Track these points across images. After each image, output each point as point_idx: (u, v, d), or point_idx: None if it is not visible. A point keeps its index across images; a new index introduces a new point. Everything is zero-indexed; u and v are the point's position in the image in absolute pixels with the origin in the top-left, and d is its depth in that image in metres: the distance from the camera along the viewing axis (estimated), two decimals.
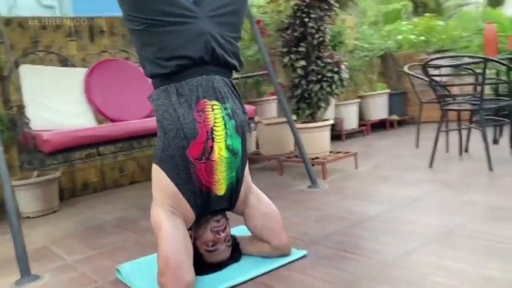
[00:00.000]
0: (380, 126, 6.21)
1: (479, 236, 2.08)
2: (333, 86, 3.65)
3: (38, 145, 2.64)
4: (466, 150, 4.03)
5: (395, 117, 6.24)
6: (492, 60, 3.24)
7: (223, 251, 1.97)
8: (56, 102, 3.13)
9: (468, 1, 11.56)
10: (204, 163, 1.83)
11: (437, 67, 3.67)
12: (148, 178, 4.50)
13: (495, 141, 4.17)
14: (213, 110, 1.84)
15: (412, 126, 6.31)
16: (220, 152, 1.85)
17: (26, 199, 3.44)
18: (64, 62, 3.90)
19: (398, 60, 6.37)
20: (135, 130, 2.86)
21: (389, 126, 6.22)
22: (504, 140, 4.10)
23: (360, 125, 6.01)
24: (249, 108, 3.62)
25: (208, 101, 1.84)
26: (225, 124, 1.86)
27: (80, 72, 3.44)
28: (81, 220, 3.28)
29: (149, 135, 2.95)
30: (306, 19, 3.60)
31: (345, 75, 3.69)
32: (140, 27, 1.82)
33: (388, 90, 6.13)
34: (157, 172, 1.88)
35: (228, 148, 1.87)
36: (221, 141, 1.85)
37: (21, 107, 2.97)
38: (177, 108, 1.81)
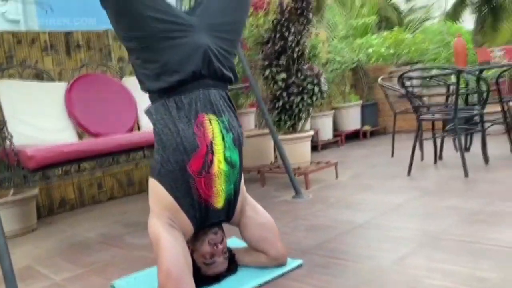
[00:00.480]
0: (354, 136, 6.36)
1: (464, 239, 2.17)
2: (314, 98, 3.73)
3: (21, 162, 2.58)
4: (441, 158, 4.18)
5: (367, 128, 6.40)
6: (466, 71, 3.40)
7: (221, 263, 1.98)
8: (37, 117, 3.07)
9: (429, 16, 12.02)
10: (204, 176, 1.83)
11: (412, 78, 3.82)
12: (127, 194, 4.49)
13: (467, 149, 4.35)
14: (211, 123, 1.86)
15: (384, 136, 6.50)
16: (219, 165, 1.86)
17: (2, 218, 3.31)
18: (41, 76, 3.83)
19: (368, 72, 6.55)
20: (120, 144, 2.83)
21: (362, 136, 6.37)
22: (474, 147, 4.28)
23: (334, 136, 6.13)
24: None
25: (206, 115, 1.86)
26: (223, 137, 1.88)
27: (59, 87, 3.39)
28: (63, 238, 3.19)
29: (134, 149, 2.93)
30: (286, 33, 3.68)
31: (324, 87, 3.78)
32: (137, 45, 1.83)
33: (360, 102, 6.30)
34: (155, 186, 1.87)
35: (226, 161, 1.89)
36: (220, 154, 1.86)
37: (0, 123, 2.88)
38: (177, 122, 1.81)
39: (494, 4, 18.42)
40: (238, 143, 1.95)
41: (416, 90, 4.80)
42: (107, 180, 4.36)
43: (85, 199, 4.22)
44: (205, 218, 1.92)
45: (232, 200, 1.97)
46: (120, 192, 4.45)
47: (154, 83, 1.85)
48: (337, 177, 4.00)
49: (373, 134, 6.54)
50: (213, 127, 1.86)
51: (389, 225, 2.55)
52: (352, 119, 6.20)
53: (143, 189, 4.55)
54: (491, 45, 21.02)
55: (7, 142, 2.70)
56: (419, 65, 5.93)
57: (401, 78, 3.64)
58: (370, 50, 6.20)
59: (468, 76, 4.22)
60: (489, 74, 4.76)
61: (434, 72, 4.38)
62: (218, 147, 1.86)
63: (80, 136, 3.35)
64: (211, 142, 1.84)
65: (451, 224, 2.42)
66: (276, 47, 3.72)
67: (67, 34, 4.22)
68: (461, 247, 2.07)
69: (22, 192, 3.45)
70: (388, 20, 17.02)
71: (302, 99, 3.70)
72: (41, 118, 3.10)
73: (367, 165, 4.52)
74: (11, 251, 2.95)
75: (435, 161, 4.11)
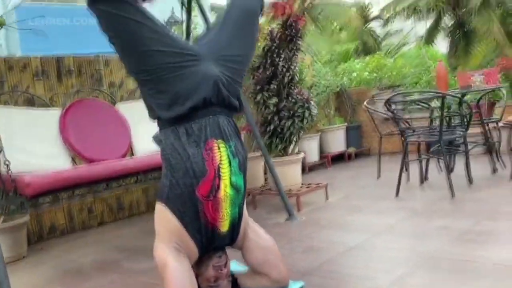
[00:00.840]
0: (339, 158, 6.48)
1: (458, 258, 2.26)
2: (305, 121, 3.83)
3: (19, 189, 2.57)
4: (426, 179, 4.31)
5: (352, 149, 6.53)
6: (450, 95, 3.56)
7: (225, 286, 2.01)
8: (31, 143, 3.07)
9: (406, 41, 12.37)
10: (211, 200, 1.88)
11: (398, 102, 3.96)
12: (117, 219, 4.47)
13: (451, 169, 4.49)
14: (219, 148, 1.91)
15: (368, 157, 6.64)
16: (225, 189, 1.91)
17: None
18: (32, 102, 3.84)
19: (352, 96, 6.73)
20: (116, 170, 2.86)
21: (347, 158, 6.50)
22: (457, 167, 4.43)
23: (321, 158, 6.23)
24: None
25: (215, 140, 1.91)
26: (229, 162, 1.93)
27: (53, 113, 3.41)
28: (57, 264, 3.16)
29: (130, 174, 2.96)
30: (277, 59, 3.79)
31: (314, 110, 3.89)
32: (148, 77, 1.88)
33: (345, 124, 6.44)
34: (162, 210, 1.91)
35: (232, 185, 1.94)
36: (227, 178, 1.92)
37: None
38: (186, 148, 1.86)
39: (466, 29, 19.14)
40: (243, 168, 2.01)
41: (401, 113, 4.98)
42: (97, 205, 4.34)
43: (75, 224, 4.18)
44: (211, 242, 1.96)
45: (236, 223, 2.02)
46: (110, 217, 4.42)
47: (166, 112, 1.90)
48: (327, 198, 4.08)
49: (358, 155, 6.67)
50: (221, 152, 1.91)
51: (383, 246, 2.62)
52: (337, 141, 6.33)
53: (133, 213, 4.54)
54: (464, 68, 21.70)
55: (3, 169, 2.69)
56: (402, 90, 6.16)
57: (388, 102, 3.78)
58: (354, 74, 6.39)
59: (449, 100, 4.39)
60: (468, 97, 4.95)
61: (415, 96, 4.56)
62: (225, 171, 1.91)
63: (74, 162, 3.35)
64: (219, 167, 1.89)
65: (443, 243, 2.51)
66: (267, 73, 3.83)
67: (59, 60, 4.24)
68: (456, 266, 2.16)
69: (13, 218, 3.41)
70: (365, 44, 17.50)
71: (293, 122, 3.80)
72: (35, 144, 3.11)
73: (355, 186, 4.62)
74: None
75: (421, 182, 4.23)
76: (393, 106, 3.88)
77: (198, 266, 1.98)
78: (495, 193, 3.57)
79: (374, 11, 23.86)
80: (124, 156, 3.46)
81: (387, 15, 21.72)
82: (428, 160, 4.31)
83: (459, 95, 3.91)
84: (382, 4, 25.12)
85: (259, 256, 2.10)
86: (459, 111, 4.09)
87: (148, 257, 2.02)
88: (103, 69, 4.53)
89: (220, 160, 1.90)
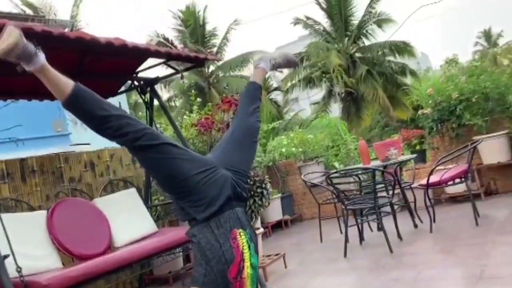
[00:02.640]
0: (277, 226, 7.07)
1: None
2: (264, 200, 4.40)
3: None
4: (363, 239, 5.04)
5: (288, 217, 7.19)
6: (378, 169, 4.39)
7: None
8: (24, 246, 3.21)
9: (318, 115, 13.64)
10: (239, 281, 2.33)
11: (342, 177, 4.72)
12: None
13: (380, 229, 5.29)
14: (241, 236, 2.40)
15: (301, 223, 7.35)
16: (247, 270, 2.38)
17: None
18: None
19: (281, 168, 7.50)
20: (122, 260, 3.17)
21: (284, 225, 7.11)
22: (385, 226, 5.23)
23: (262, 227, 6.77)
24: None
25: (237, 230, 2.40)
26: (249, 246, 2.42)
27: (39, 215, 3.58)
28: None
29: (134, 262, 3.28)
30: None
31: (270, 189, 4.48)
32: (188, 193, 2.35)
33: (280, 194, 7.12)
34: None
35: (252, 266, 2.41)
36: (248, 261, 2.39)
37: None
38: (218, 239, 2.32)
39: (355, 96, 21.63)
40: (256, 250, 2.50)
41: (337, 184, 5.77)
42: None
43: None
44: None
45: None
46: None
47: (202, 214, 2.35)
48: (285, 266, 4.58)
49: (292, 222, 7.33)
50: (242, 240, 2.39)
51: None
52: (275, 211, 6.94)
53: None
54: (357, 130, 23.99)
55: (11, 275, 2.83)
56: (318, 159, 7.13)
57: (329, 178, 4.52)
58: (283, 149, 7.19)
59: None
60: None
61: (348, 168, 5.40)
62: (247, 255, 2.39)
63: (64, 262, 3.52)
64: (242, 252, 2.37)
65: None
66: None
67: (22, 161, 4.40)
68: None
69: None
70: (269, 113, 18.88)
71: (254, 201, 4.34)
72: (27, 247, 3.24)
73: (304, 252, 5.20)
74: None
75: (360, 242, 4.95)
76: (334, 181, 4.62)
77: None
78: (422, 246, 4.38)
79: (274, 83, 26.00)
80: (108, 249, 3.70)
81: (286, 87, 23.81)
82: (362, 223, 5.07)
83: (382, 168, 4.79)
84: (280, 77, 27.38)
85: None
86: (382, 180, 4.96)
87: None
88: (63, 166, 4.74)
89: (243, 246, 2.39)
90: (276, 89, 24.72)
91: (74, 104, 2.18)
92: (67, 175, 4.75)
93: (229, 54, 19.32)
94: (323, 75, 21.83)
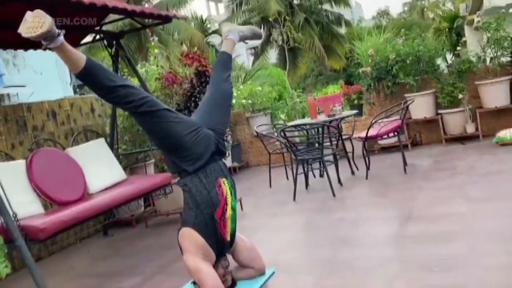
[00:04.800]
0: None
1: (358, 235, 3.55)
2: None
3: (29, 235, 3.04)
4: (308, 184, 5.68)
5: (236, 164, 7.71)
6: (326, 125, 4.96)
7: (229, 280, 2.94)
8: (10, 195, 3.41)
9: (262, 66, 13.90)
10: (223, 221, 2.81)
11: (293, 131, 5.24)
12: None
13: (322, 175, 5.97)
14: (224, 184, 2.85)
15: (248, 169, 7.93)
16: (229, 211, 2.86)
17: None
18: None
19: (231, 118, 7.91)
20: (104, 205, 3.53)
21: (233, 172, 7.64)
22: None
23: None
24: (164, 176, 4.52)
25: (221, 178, 2.84)
26: (231, 192, 2.88)
27: (18, 164, 3.76)
28: None
29: (113, 207, 3.65)
30: (198, 101, 4.72)
31: (230, 141, 4.92)
32: (179, 149, 2.74)
33: (230, 143, 7.57)
34: (190, 231, 2.75)
35: (232, 208, 2.90)
36: (229, 204, 2.86)
37: None
38: (207, 187, 2.76)
39: (293, 44, 22.06)
40: (236, 195, 2.97)
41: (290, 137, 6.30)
42: None
43: None
44: (221, 249, 2.88)
45: (233, 234, 2.97)
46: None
47: (192, 166, 2.77)
48: (242, 209, 5.11)
49: (240, 168, 7.88)
50: (226, 186, 2.85)
51: (305, 236, 3.81)
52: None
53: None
54: (294, 78, 24.56)
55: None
56: (265, 111, 7.65)
57: (283, 131, 5.03)
58: (233, 101, 7.55)
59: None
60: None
61: (298, 122, 5.91)
62: (229, 200, 2.86)
63: (46, 207, 3.77)
64: (226, 197, 2.83)
65: (346, 229, 3.80)
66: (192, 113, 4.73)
67: None
68: (357, 240, 3.44)
69: None
70: (201, 51, 18.81)
71: None
72: (12, 195, 3.45)
73: (256, 196, 5.76)
74: None
75: (306, 187, 5.58)
76: (288, 134, 5.14)
77: (213, 268, 2.87)
78: (360, 191, 5.10)
79: (211, 27, 25.63)
80: (84, 195, 3.99)
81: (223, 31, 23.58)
82: (308, 171, 5.70)
83: (328, 123, 5.37)
84: (218, 20, 26.94)
85: (245, 255, 3.08)
86: (328, 134, 5.56)
87: None
88: (26, 115, 4.83)
89: (227, 192, 2.85)
90: (214, 32, 24.51)
91: (87, 76, 2.50)
92: (30, 124, 4.85)
93: None
94: (262, 21, 22.01)
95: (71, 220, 3.25)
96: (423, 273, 2.70)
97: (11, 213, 3.01)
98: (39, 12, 2.32)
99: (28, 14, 2.34)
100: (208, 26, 24.58)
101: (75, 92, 15.94)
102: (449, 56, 12.09)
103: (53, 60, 12.69)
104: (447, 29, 12.29)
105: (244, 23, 21.95)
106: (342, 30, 23.84)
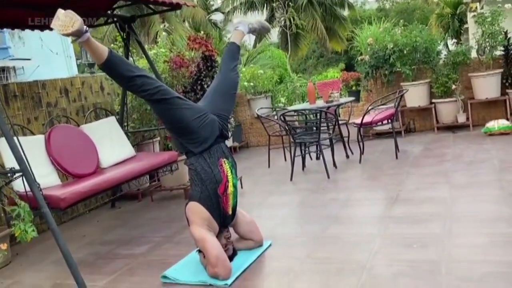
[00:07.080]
0: None
1: (348, 215, 3.90)
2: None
3: (51, 203, 3.37)
4: (305, 166, 6.02)
5: (236, 144, 8.03)
6: (324, 111, 5.26)
7: (230, 249, 3.29)
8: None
9: (263, 48, 14.11)
10: (225, 196, 3.14)
11: (292, 115, 5.54)
12: None
13: (318, 158, 6.30)
14: (226, 164, 3.18)
15: (248, 149, 8.25)
16: (231, 188, 3.20)
17: None
18: None
19: None
20: (117, 179, 3.87)
21: (233, 151, 7.97)
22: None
23: None
24: (171, 154, 4.84)
25: (223, 159, 3.17)
26: (231, 171, 3.21)
27: (38, 139, 4.08)
28: (56, 260, 3.91)
29: (126, 181, 3.98)
30: (205, 85, 5.01)
31: (233, 123, 5.22)
32: (187, 132, 3.07)
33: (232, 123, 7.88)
34: (197, 206, 3.10)
35: (234, 185, 3.23)
36: (231, 181, 3.20)
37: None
38: (211, 166, 3.09)
39: (296, 25, 22.09)
40: (236, 173, 3.31)
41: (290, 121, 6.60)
42: None
43: None
44: (224, 222, 3.22)
45: (235, 208, 3.31)
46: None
47: (198, 148, 3.10)
48: (242, 187, 5.45)
49: (240, 148, 8.20)
50: (227, 166, 3.18)
51: (301, 212, 4.15)
52: None
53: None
54: (295, 58, 24.56)
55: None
56: (266, 94, 7.91)
57: (283, 115, 5.33)
58: None
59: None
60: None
61: (298, 107, 6.19)
62: (230, 177, 3.20)
63: (62, 179, 4.10)
64: (227, 175, 3.16)
65: (339, 209, 4.14)
66: (198, 96, 5.02)
67: (5, 86, 4.73)
68: (350, 219, 3.79)
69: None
70: (207, 35, 19.02)
71: None
72: (33, 167, 3.76)
73: (255, 176, 6.10)
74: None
75: (303, 169, 5.92)
76: (288, 118, 5.44)
77: (217, 238, 3.22)
78: (353, 173, 5.43)
79: (214, 4, 25.57)
80: (97, 169, 4.32)
81: (227, 9, 23.72)
82: (305, 153, 6.03)
83: (326, 109, 5.67)
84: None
85: (246, 228, 3.43)
86: (325, 119, 5.87)
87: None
88: (41, 92, 5.11)
89: (227, 171, 3.18)
90: (216, 10, 24.50)
91: (109, 67, 2.84)
92: (45, 100, 5.14)
93: None
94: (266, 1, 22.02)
95: (88, 191, 3.58)
96: (402, 249, 3.05)
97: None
98: (70, 12, 2.65)
99: (60, 12, 2.65)
100: (212, 3, 24.56)
101: (82, 71, 16.20)
102: (450, 42, 12.28)
103: (58, 36, 12.87)
104: (450, 15, 12.41)
105: (246, 1, 22.01)
106: (345, 12, 23.87)
